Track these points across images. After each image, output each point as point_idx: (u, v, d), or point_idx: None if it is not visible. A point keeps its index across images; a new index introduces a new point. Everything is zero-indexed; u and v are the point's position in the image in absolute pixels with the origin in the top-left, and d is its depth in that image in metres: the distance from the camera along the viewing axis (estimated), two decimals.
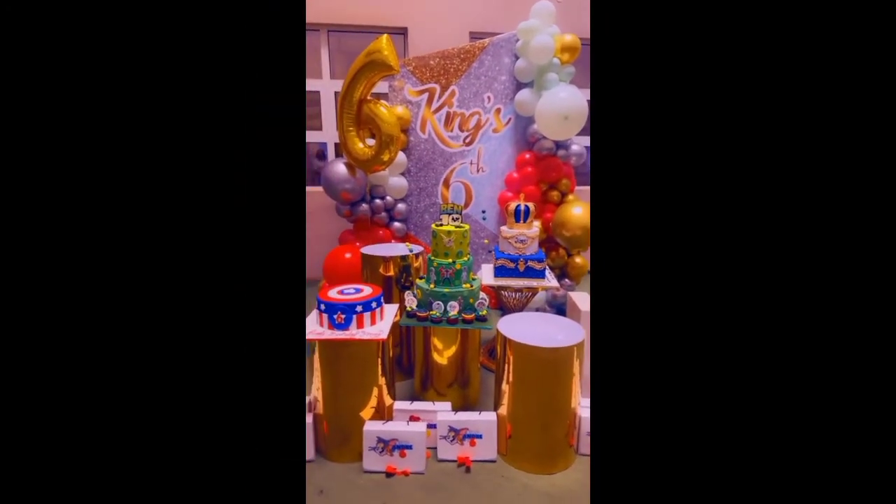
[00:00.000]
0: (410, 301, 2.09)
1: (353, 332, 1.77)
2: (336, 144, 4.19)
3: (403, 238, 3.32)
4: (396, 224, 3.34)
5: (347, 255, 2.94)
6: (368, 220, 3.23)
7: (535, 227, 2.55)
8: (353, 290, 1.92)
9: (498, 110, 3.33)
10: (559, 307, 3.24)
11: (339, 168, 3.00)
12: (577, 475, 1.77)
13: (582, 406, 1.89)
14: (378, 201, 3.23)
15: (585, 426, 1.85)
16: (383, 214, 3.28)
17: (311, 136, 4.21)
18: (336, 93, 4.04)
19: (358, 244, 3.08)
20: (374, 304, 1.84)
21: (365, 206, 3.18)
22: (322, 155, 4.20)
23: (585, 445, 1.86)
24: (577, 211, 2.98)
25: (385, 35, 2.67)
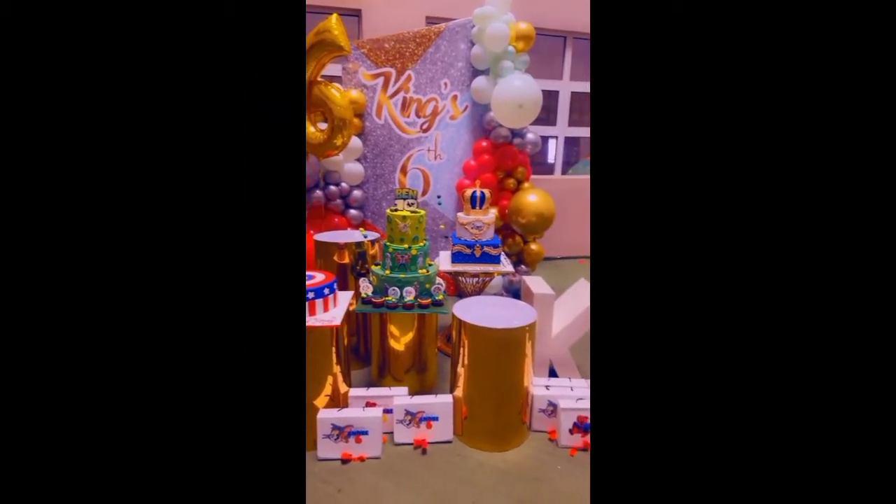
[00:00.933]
0: (366, 288, 2.06)
1: (306, 320, 1.72)
2: None
3: (359, 226, 3.26)
4: (352, 212, 3.27)
5: None
6: (323, 207, 3.14)
7: (492, 213, 2.58)
8: (307, 277, 1.86)
9: (455, 97, 3.32)
10: (515, 292, 3.32)
11: None
12: (529, 451, 1.84)
13: (534, 385, 1.96)
14: (333, 188, 3.14)
15: (538, 404, 1.92)
16: (338, 201, 3.20)
17: None
18: None
19: (311, 232, 3.00)
20: (326, 291, 1.80)
21: (319, 192, 3.08)
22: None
23: (538, 422, 1.93)
24: (532, 198, 3.05)
25: (335, 14, 2.58)
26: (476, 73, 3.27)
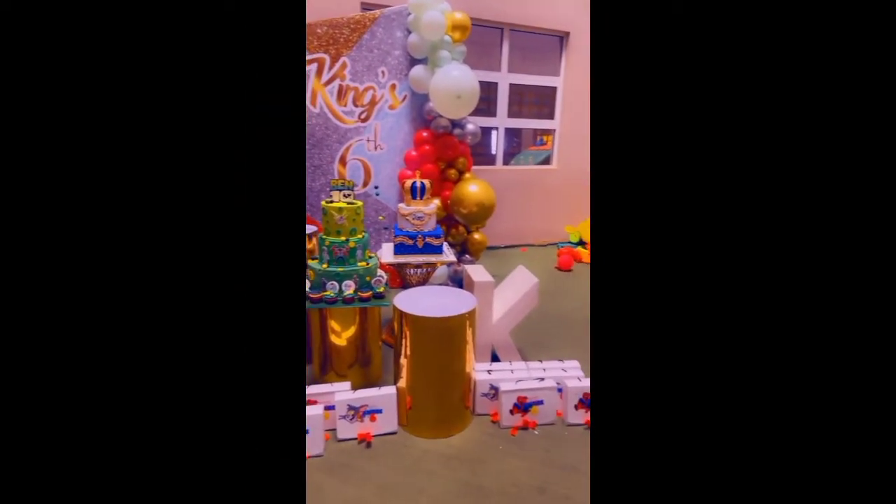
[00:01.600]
0: None
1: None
2: None
3: None
4: None
5: None
6: None
7: (433, 204, 2.59)
8: None
9: (393, 86, 3.27)
10: (460, 281, 3.37)
11: None
12: (472, 434, 1.89)
13: (476, 370, 2.01)
14: None
15: (480, 388, 1.97)
16: None
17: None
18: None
19: None
20: None
21: None
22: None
23: (481, 406, 1.99)
24: (473, 188, 3.09)
25: None
26: (414, 61, 3.24)
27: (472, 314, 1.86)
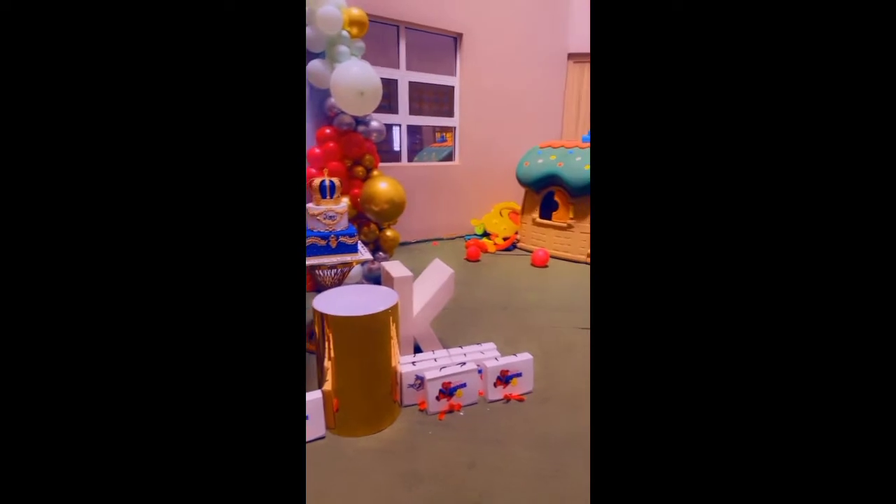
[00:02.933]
0: None
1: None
2: None
3: None
4: None
5: None
6: None
7: (344, 202, 2.55)
8: None
9: None
10: (376, 279, 3.37)
11: None
12: (402, 425, 1.94)
13: (402, 363, 2.06)
14: None
15: (406, 380, 2.03)
16: None
17: None
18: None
19: None
20: None
21: None
22: None
23: (408, 397, 2.05)
24: (384, 186, 3.11)
25: None
26: (310, 55, 3.12)
27: (394, 309, 1.90)
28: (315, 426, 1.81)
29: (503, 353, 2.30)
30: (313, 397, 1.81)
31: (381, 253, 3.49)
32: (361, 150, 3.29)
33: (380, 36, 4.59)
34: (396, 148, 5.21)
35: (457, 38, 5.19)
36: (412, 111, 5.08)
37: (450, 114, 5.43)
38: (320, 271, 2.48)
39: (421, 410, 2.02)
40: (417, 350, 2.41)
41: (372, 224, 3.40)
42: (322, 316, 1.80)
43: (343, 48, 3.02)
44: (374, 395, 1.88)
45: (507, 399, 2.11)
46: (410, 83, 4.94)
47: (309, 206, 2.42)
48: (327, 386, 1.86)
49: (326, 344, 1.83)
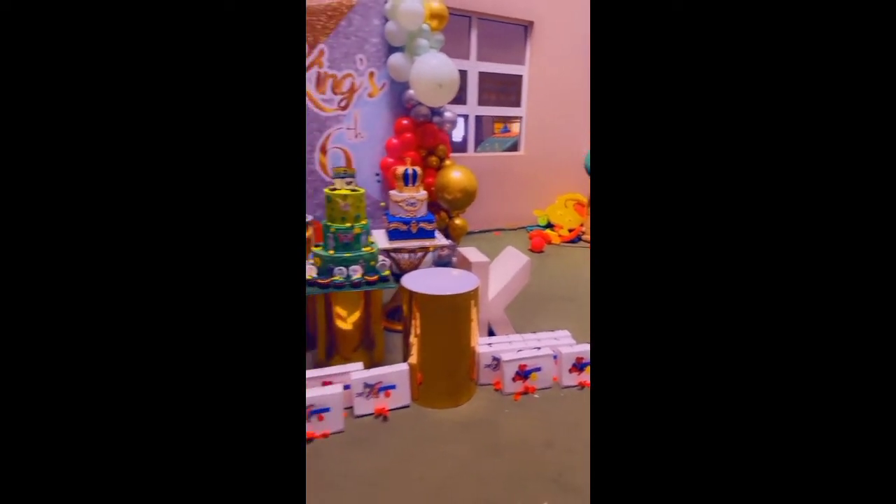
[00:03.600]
0: (309, 270, 2.03)
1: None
2: None
3: None
4: None
5: None
6: None
7: (423, 190, 2.68)
8: None
9: (372, 74, 3.28)
10: (446, 265, 3.50)
11: None
12: (479, 402, 2.04)
13: (480, 344, 2.16)
14: None
15: (483, 360, 2.13)
16: None
17: None
18: None
19: None
20: None
21: None
22: None
23: (484, 376, 2.15)
24: (457, 175, 3.20)
25: None
26: (391, 49, 3.26)
27: (476, 292, 2.00)
28: (401, 396, 1.96)
29: (577, 341, 2.33)
30: (400, 369, 1.96)
31: (448, 240, 3.61)
32: (436, 141, 3.40)
33: (451, 27, 4.67)
34: (457, 138, 5.28)
35: (527, 27, 5.14)
36: (480, 102, 5.13)
37: (516, 104, 5.41)
38: (400, 255, 2.63)
39: (496, 390, 2.11)
40: (491, 333, 2.50)
41: (442, 212, 3.52)
42: (411, 294, 1.93)
43: (423, 41, 3.12)
44: (454, 372, 2.00)
45: (582, 386, 2.14)
46: (480, 73, 4.98)
47: (392, 192, 2.58)
48: (412, 360, 2.00)
49: (413, 321, 1.97)
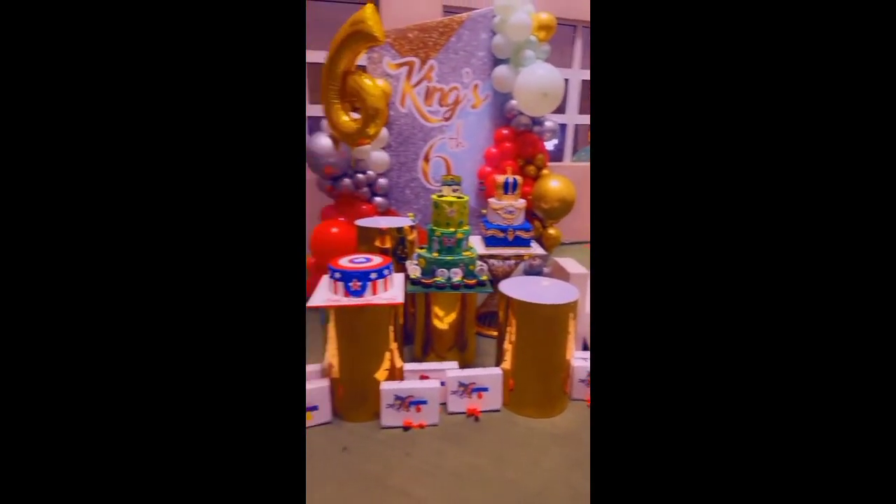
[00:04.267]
0: (413, 270, 2.18)
1: (370, 298, 1.84)
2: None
3: (386, 213, 3.36)
4: (378, 199, 3.36)
5: (334, 230, 2.95)
6: (351, 194, 3.22)
7: (521, 199, 2.71)
8: (363, 260, 1.97)
9: (476, 86, 3.41)
10: (535, 275, 3.47)
11: (324, 141, 2.95)
12: (572, 416, 2.00)
13: (576, 357, 2.12)
14: (360, 176, 3.22)
15: (578, 374, 2.08)
16: (365, 189, 3.28)
17: None
18: (310, 64, 3.90)
19: (342, 219, 3.09)
20: (385, 272, 1.92)
21: (348, 180, 3.16)
22: None
23: (578, 391, 2.10)
24: (555, 184, 3.17)
25: (370, 4, 2.64)
26: (497, 61, 3.36)
27: (574, 304, 1.97)
28: (493, 399, 2.00)
29: None
30: (494, 373, 2.01)
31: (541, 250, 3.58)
32: (535, 150, 3.41)
33: (556, 36, 4.64)
34: (550, 148, 5.19)
35: None
36: (580, 110, 5.01)
37: None
38: (495, 262, 2.69)
39: (589, 406, 2.05)
40: (585, 348, 2.43)
41: (535, 221, 3.51)
42: (508, 300, 1.97)
43: (529, 52, 3.17)
44: (547, 382, 1.99)
45: None
46: (582, 81, 4.87)
47: (491, 200, 2.65)
48: (505, 365, 2.03)
49: (509, 327, 2.00)
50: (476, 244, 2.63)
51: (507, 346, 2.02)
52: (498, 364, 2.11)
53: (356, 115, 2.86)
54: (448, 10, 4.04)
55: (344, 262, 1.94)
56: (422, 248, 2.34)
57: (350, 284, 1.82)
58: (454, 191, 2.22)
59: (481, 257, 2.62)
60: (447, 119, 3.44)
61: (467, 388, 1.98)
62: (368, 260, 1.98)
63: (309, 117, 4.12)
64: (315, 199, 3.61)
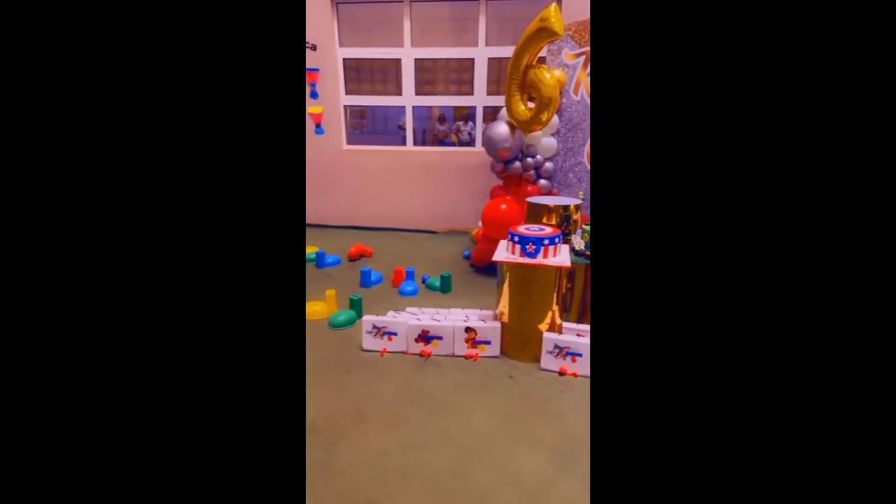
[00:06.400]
0: (578, 242, 2.45)
1: (541, 260, 2.21)
2: (483, 109, 4.61)
3: (548, 194, 3.65)
4: (542, 181, 3.67)
5: (503, 206, 3.39)
6: (519, 176, 3.62)
7: None
8: (538, 228, 2.34)
9: None
10: None
11: (502, 128, 3.40)
12: None
13: None
14: (529, 159, 3.58)
15: None
16: (531, 172, 3.63)
17: (466, 101, 4.68)
18: (489, 59, 4.40)
19: (510, 197, 3.51)
20: (556, 240, 2.25)
21: (518, 163, 3.56)
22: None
23: None
24: None
25: (554, 3, 2.92)
26: None
27: None
28: None
29: None
30: None
31: None
32: None
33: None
34: None
35: None
36: None
37: None
38: None
39: None
40: None
41: None
42: None
43: None
44: None
45: None
46: None
47: None
48: None
49: None
50: None
51: None
52: None
53: (532, 105, 3.21)
54: None
55: (521, 228, 2.34)
56: (586, 225, 2.58)
57: (526, 247, 2.21)
58: None
59: None
60: None
61: None
62: (542, 229, 2.33)
63: (487, 107, 4.64)
64: (487, 180, 4.13)
